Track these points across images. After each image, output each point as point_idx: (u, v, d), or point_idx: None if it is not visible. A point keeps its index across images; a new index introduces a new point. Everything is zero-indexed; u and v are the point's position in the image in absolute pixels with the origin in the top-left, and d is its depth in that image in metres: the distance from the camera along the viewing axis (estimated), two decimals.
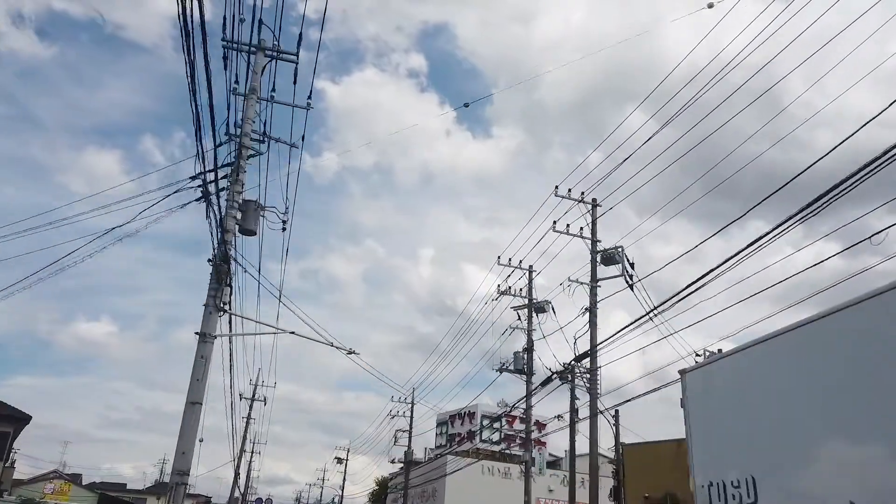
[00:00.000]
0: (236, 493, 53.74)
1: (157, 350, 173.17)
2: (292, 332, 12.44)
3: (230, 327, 12.62)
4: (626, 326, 15.00)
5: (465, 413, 41.81)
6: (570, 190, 18.93)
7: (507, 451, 40.22)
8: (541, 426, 42.71)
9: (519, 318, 23.28)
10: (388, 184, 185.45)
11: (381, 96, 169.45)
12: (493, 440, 40.53)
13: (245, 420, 39.93)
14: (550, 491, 39.97)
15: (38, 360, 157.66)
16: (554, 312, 22.66)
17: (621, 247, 18.00)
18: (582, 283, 18.17)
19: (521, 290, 23.35)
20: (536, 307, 22.84)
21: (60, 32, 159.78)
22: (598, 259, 18.37)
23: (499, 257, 23.17)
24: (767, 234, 9.48)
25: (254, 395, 40.24)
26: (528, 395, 21.98)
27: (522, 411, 25.26)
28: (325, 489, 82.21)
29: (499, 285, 23.17)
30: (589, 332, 17.75)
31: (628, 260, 18.02)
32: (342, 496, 66.16)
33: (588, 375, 17.38)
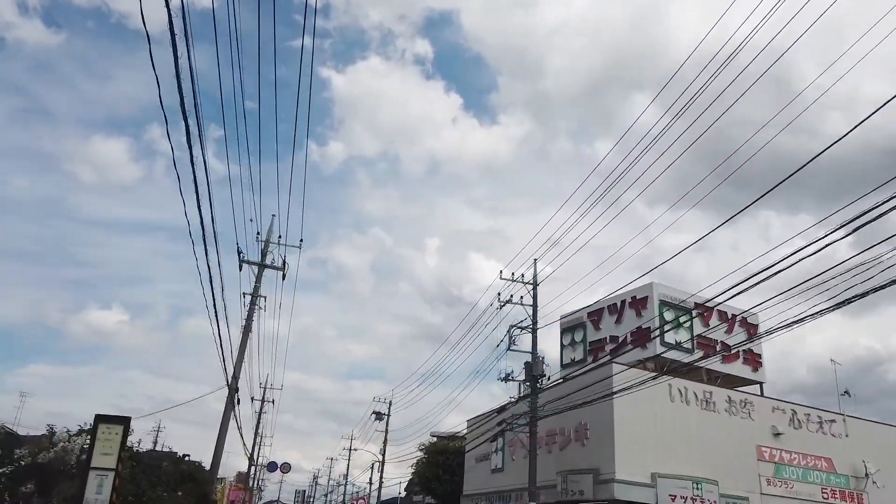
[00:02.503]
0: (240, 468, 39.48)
1: (168, 339, 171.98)
2: None
3: None
4: None
5: (626, 301, 25.12)
6: None
7: (703, 367, 23.44)
8: (751, 329, 25.91)
9: None
10: (395, 172, 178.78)
11: (386, 85, 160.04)
12: (683, 345, 23.81)
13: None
14: (777, 436, 23.41)
15: (49, 348, 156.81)
16: None
17: None
18: None
19: None
20: None
21: (66, 21, 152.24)
22: None
23: None
24: None
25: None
26: None
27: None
28: (353, 459, 66.33)
29: None
30: None
31: None
32: (383, 461, 47.96)
33: None
